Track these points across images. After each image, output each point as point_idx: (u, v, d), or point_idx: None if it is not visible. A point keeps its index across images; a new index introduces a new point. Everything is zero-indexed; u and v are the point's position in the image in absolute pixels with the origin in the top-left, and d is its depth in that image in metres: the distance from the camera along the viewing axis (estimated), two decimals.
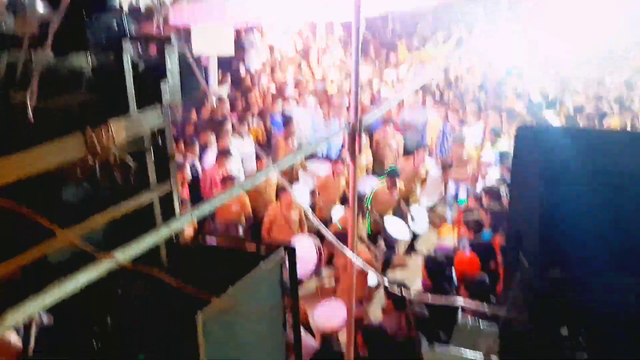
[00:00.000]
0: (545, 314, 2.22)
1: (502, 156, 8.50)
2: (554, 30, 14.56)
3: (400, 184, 8.43)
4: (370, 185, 8.39)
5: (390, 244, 8.22)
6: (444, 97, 11.72)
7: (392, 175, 8.32)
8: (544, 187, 2.14)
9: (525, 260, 2.27)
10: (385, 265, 8.24)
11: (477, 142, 9.74)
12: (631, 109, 10.98)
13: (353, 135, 3.82)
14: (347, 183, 8.55)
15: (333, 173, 8.60)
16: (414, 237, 8.69)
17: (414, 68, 14.18)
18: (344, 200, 8.48)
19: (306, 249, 6.69)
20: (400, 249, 8.68)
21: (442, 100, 11.35)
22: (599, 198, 2.15)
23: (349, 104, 4.11)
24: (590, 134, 3.05)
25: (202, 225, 7.25)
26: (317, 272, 7.14)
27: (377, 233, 8.19)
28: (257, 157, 8.43)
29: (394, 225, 8.15)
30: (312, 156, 9.52)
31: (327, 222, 7.41)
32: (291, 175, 9.35)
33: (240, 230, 6.76)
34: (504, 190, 7.13)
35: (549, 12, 12.78)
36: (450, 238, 8.74)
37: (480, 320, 2.77)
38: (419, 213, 8.75)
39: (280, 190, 7.57)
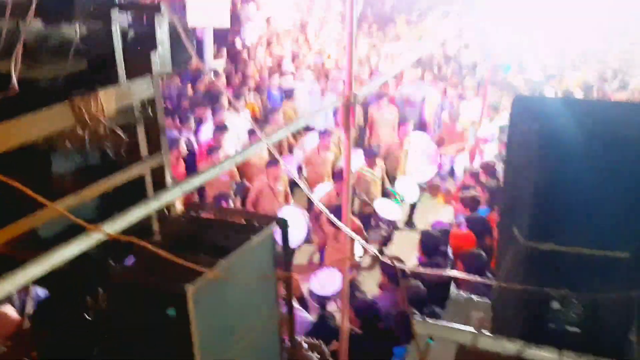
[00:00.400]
0: (537, 287, 2.22)
1: (501, 131, 8.46)
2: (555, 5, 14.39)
3: (380, 162, 8.38)
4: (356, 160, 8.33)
5: (386, 224, 8.23)
6: (442, 72, 11.63)
7: (371, 154, 8.26)
8: (539, 159, 2.12)
9: (519, 234, 2.26)
10: (384, 243, 8.26)
11: (475, 118, 9.72)
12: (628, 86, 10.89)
13: (347, 109, 3.79)
14: (336, 157, 8.61)
15: (318, 148, 8.53)
16: (412, 210, 8.70)
17: (412, 42, 14.06)
18: (332, 177, 8.44)
19: (295, 221, 6.70)
20: (399, 225, 8.70)
21: (441, 75, 11.27)
22: (596, 170, 2.12)
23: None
24: (587, 104, 3.02)
25: (199, 198, 7.31)
26: (307, 242, 7.17)
27: (368, 214, 8.17)
28: (253, 132, 8.38)
29: (383, 207, 8.13)
30: (308, 129, 9.50)
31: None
32: (282, 149, 9.35)
33: (230, 202, 6.72)
34: (500, 167, 7.12)
35: None
36: (447, 211, 8.79)
37: (473, 294, 2.77)
38: (405, 184, 8.73)
39: (269, 162, 7.52)
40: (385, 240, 8.09)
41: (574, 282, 2.26)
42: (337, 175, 7.56)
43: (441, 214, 8.98)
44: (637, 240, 2.11)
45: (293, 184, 7.82)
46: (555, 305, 2.23)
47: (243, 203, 7.65)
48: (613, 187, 2.12)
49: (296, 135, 9.22)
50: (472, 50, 13.62)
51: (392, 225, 8.18)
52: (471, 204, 6.61)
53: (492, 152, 8.35)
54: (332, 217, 3.03)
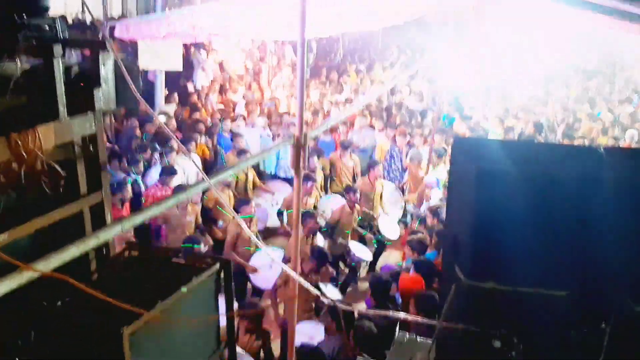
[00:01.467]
0: (479, 326, 2.23)
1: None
2: (500, 53, 15.13)
3: (357, 205, 8.48)
4: (334, 203, 8.42)
5: (353, 266, 8.26)
6: (391, 120, 11.90)
7: (350, 192, 8.36)
8: (477, 198, 2.17)
9: (461, 273, 2.28)
10: (344, 288, 8.25)
11: (423, 164, 9.94)
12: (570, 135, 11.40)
13: (297, 149, 3.80)
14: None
15: (304, 191, 8.55)
16: (376, 257, 8.75)
17: (362, 90, 14.40)
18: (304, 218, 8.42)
19: (267, 263, 6.70)
20: (362, 271, 8.73)
21: (390, 123, 11.53)
22: (533, 210, 2.18)
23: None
24: (524, 145, 3.14)
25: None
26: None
27: (341, 254, 8.20)
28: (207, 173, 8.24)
29: (358, 247, 8.19)
30: (272, 177, 9.56)
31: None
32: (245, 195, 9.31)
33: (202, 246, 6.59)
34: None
35: (495, 37, 13.24)
36: (395, 255, 8.93)
37: (418, 335, 2.76)
38: (386, 222, 8.84)
39: (240, 202, 7.53)
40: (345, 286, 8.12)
41: (515, 321, 2.28)
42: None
43: (391, 258, 9.07)
44: (574, 279, 2.16)
45: None
46: (497, 344, 2.24)
47: (216, 246, 7.52)
48: (550, 227, 2.18)
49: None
50: (420, 99, 14.05)
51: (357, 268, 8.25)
52: (419, 247, 6.67)
53: (437, 196, 8.52)
54: (283, 265, 2.99)
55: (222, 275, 2.80)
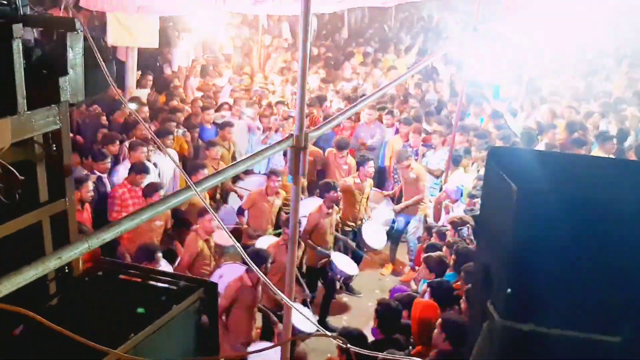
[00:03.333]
0: None
1: (474, 185, 8.64)
2: (530, 41, 15.14)
3: (336, 208, 8.44)
4: (309, 208, 8.34)
5: (332, 282, 8.25)
6: (404, 115, 11.88)
7: (329, 189, 8.25)
8: (517, 222, 2.14)
9: (494, 311, 2.26)
10: (324, 309, 8.25)
11: (441, 168, 9.93)
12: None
13: (297, 152, 3.79)
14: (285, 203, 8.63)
15: (267, 190, 8.51)
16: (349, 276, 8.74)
17: (370, 79, 14.39)
18: (279, 225, 8.41)
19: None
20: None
21: (403, 118, 11.50)
22: (583, 238, 2.15)
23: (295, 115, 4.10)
24: (574, 160, 3.10)
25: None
26: None
27: (322, 267, 8.18)
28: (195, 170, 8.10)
29: (342, 259, 8.18)
30: (247, 172, 9.50)
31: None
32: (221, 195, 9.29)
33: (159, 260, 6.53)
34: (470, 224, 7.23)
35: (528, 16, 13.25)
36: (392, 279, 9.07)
37: None
38: (372, 229, 8.86)
39: (201, 213, 7.33)
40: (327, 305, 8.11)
41: None
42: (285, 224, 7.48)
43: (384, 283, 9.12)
44: (631, 322, 2.14)
45: None
46: None
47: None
48: (602, 258, 2.15)
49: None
50: (439, 91, 14.05)
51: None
52: (438, 267, 6.65)
53: (459, 209, 8.50)
54: (269, 283, 2.96)
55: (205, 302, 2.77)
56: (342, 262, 8.13)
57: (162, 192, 7.40)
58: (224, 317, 6.34)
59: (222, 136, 9.86)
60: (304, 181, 9.29)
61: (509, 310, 2.22)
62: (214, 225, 7.24)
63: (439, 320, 5.28)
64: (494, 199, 2.45)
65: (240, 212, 8.70)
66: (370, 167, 9.18)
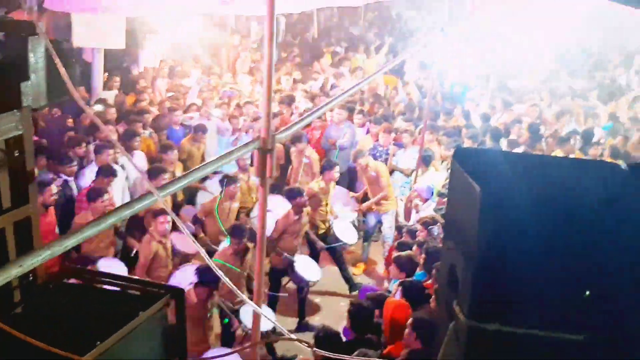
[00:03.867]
0: None
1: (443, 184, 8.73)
2: (500, 40, 15.35)
3: (307, 209, 8.45)
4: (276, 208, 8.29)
5: (300, 286, 8.25)
6: (373, 114, 11.93)
7: (296, 195, 8.23)
8: (482, 223, 2.17)
9: (460, 311, 2.29)
10: (301, 309, 8.26)
11: (411, 167, 9.99)
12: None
13: (264, 154, 3.78)
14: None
15: (226, 195, 8.44)
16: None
17: (340, 79, 14.42)
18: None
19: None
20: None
21: (372, 117, 11.55)
22: (546, 238, 2.19)
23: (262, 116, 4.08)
24: (538, 160, 3.15)
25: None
26: None
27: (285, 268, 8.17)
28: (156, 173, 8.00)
29: (304, 264, 8.12)
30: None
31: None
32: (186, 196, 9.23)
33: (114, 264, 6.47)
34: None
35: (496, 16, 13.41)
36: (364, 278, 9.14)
37: None
38: (342, 226, 8.93)
39: (155, 214, 7.22)
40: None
41: None
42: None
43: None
44: (594, 320, 2.18)
45: None
46: None
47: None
48: (566, 258, 2.19)
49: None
50: (410, 90, 14.13)
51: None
52: (408, 266, 6.69)
53: (430, 207, 8.57)
54: (233, 287, 2.96)
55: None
56: (304, 267, 8.03)
57: (106, 197, 7.35)
58: None
59: (194, 138, 9.82)
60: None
61: (475, 310, 2.25)
62: (167, 227, 7.20)
63: (410, 320, 5.32)
64: (459, 200, 2.48)
65: (196, 220, 8.56)
66: (335, 172, 9.23)
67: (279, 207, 8.36)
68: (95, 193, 7.34)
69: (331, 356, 3.22)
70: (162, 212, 7.08)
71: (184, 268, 7.23)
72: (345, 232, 8.98)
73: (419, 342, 5.14)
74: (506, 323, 2.22)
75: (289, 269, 8.04)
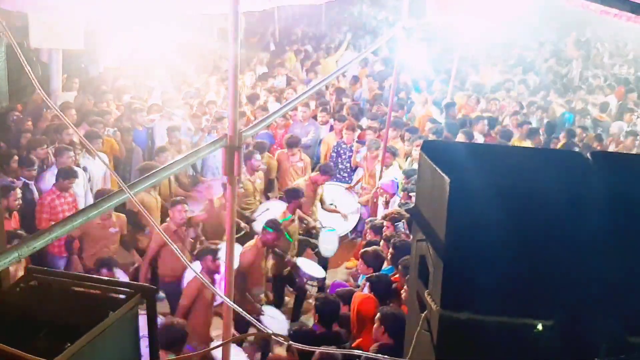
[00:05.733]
0: None
1: (406, 178, 8.77)
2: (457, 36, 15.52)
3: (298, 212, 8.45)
4: (276, 211, 8.30)
5: (302, 287, 8.20)
6: (337, 111, 11.97)
7: (294, 196, 8.22)
8: (450, 214, 2.20)
9: (431, 301, 2.32)
10: (296, 312, 8.25)
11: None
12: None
13: (231, 152, 3.77)
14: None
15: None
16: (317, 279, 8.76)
17: (302, 76, 14.45)
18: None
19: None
20: (313, 291, 8.73)
21: (336, 114, 11.60)
22: (513, 227, 2.23)
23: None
24: (503, 151, 3.21)
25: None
26: None
27: (288, 274, 8.09)
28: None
29: (306, 263, 8.11)
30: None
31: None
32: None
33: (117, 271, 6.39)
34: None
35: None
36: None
37: None
38: (325, 236, 8.88)
39: (174, 202, 7.46)
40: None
41: (494, 354, 2.34)
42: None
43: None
44: (560, 306, 2.23)
45: None
46: None
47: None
48: (532, 246, 2.24)
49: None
50: (371, 86, 14.21)
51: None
52: (374, 262, 6.72)
53: (395, 202, 8.62)
54: (212, 288, 2.94)
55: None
56: (308, 266, 8.02)
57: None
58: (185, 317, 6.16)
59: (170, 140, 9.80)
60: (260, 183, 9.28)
61: (446, 300, 2.28)
62: (184, 216, 7.32)
63: (378, 314, 5.36)
64: (428, 192, 2.51)
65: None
66: (327, 178, 9.17)
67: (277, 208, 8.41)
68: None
69: (305, 349, 3.23)
70: (180, 201, 7.42)
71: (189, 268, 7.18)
72: (326, 244, 8.83)
73: (387, 335, 5.18)
74: (476, 311, 2.26)
75: (293, 272, 7.93)
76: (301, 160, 9.90)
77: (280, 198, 9.17)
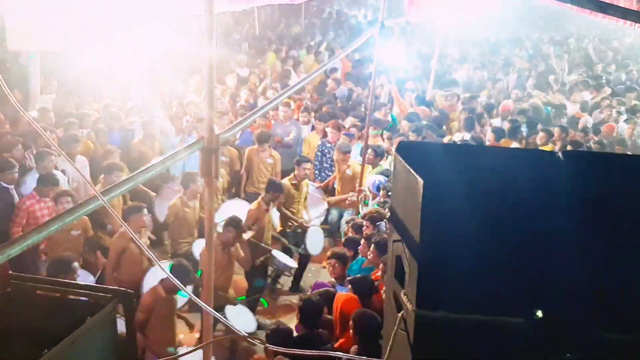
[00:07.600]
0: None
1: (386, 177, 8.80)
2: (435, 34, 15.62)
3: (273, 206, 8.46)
4: (240, 210, 8.26)
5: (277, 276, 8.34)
6: (319, 111, 11.98)
7: (275, 190, 8.27)
8: (425, 214, 2.22)
9: (407, 300, 2.34)
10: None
11: (358, 162, 10.05)
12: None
13: (209, 154, 3.77)
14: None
15: (187, 196, 8.31)
16: (301, 270, 8.81)
17: (281, 76, 14.45)
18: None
19: None
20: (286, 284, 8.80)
21: (318, 115, 11.60)
22: (486, 226, 2.27)
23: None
24: (476, 151, 3.25)
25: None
26: None
27: (261, 264, 8.21)
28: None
29: (281, 255, 8.32)
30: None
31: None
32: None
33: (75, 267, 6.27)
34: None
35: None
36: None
37: None
38: (313, 234, 8.95)
39: (130, 209, 7.25)
40: None
41: (470, 352, 2.36)
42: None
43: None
44: (534, 303, 2.26)
45: None
46: None
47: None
48: (505, 244, 2.27)
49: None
50: (352, 85, 14.25)
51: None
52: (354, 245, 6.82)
53: (375, 201, 8.64)
54: (188, 292, 2.94)
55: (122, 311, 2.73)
56: (282, 256, 8.27)
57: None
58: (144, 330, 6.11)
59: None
60: (222, 182, 9.27)
61: (421, 299, 2.30)
62: (146, 220, 7.20)
63: (352, 315, 5.38)
64: (403, 192, 2.53)
65: (164, 227, 8.47)
66: (305, 169, 9.19)
67: (240, 209, 8.34)
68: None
69: (284, 351, 3.24)
70: (138, 210, 7.20)
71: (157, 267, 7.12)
72: (314, 241, 8.92)
73: (358, 337, 5.22)
74: (452, 310, 2.28)
75: (268, 261, 8.12)
76: (271, 157, 9.89)
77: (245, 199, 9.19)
